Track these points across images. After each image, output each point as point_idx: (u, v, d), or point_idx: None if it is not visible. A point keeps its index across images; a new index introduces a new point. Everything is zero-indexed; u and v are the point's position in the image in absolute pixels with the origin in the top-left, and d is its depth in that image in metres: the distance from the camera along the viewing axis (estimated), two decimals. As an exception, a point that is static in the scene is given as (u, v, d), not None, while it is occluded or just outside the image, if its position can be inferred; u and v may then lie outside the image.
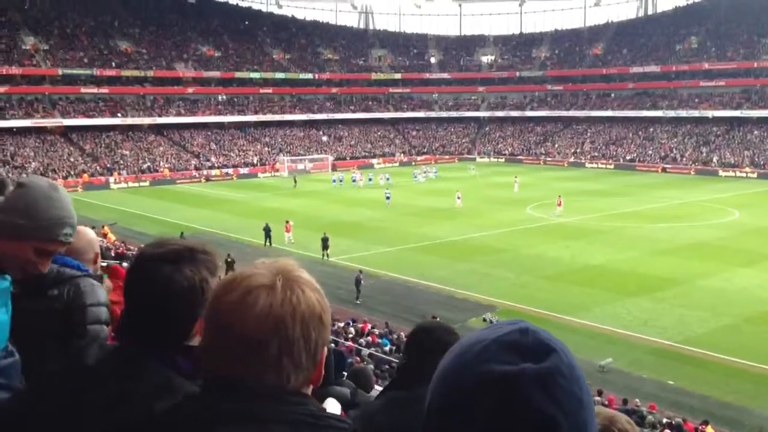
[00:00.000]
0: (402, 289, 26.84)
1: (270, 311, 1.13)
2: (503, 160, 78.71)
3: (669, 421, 14.43)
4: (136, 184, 60.00)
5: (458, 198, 45.05)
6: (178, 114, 74.19)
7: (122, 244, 29.32)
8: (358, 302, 24.80)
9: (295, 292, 1.16)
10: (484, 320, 22.40)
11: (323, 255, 30.89)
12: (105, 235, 29.90)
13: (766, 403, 16.99)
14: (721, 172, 63.86)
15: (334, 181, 57.77)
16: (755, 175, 61.71)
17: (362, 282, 25.32)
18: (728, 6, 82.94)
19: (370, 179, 58.01)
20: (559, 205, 42.15)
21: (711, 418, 15.19)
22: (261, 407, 1.14)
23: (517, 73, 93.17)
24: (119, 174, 61.48)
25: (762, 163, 63.96)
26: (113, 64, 73.76)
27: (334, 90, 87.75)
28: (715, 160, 66.99)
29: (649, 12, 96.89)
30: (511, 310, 23.36)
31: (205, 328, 1.21)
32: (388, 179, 57.30)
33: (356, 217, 42.17)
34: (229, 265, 25.32)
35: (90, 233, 2.86)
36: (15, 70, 66.77)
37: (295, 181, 58.32)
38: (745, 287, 26.09)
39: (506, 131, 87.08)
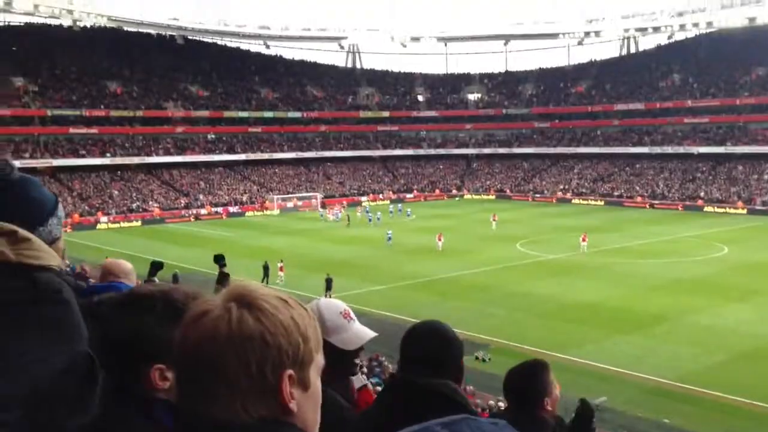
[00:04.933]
0: (393, 327, 26.60)
1: (208, 338, 1.06)
2: (493, 196, 79.04)
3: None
4: (126, 224, 59.72)
5: (439, 240, 43.78)
6: (167, 153, 74.30)
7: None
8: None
9: (233, 315, 1.07)
10: (476, 358, 22.31)
11: (326, 296, 30.77)
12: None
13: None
14: (708, 208, 64.30)
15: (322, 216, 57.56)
16: (745, 211, 61.90)
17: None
18: (708, 44, 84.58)
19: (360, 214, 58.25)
20: (584, 240, 42.38)
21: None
22: None
23: (504, 111, 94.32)
24: (106, 214, 61.15)
25: (749, 198, 64.55)
26: (102, 105, 74.07)
27: (322, 128, 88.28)
28: (702, 195, 67.64)
29: (632, 50, 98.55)
30: (503, 348, 23.33)
31: None
32: (378, 218, 57.34)
33: (346, 255, 42.13)
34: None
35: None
36: (4, 111, 66.93)
37: (349, 219, 57.20)
38: (737, 323, 26.14)
39: (494, 168, 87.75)
